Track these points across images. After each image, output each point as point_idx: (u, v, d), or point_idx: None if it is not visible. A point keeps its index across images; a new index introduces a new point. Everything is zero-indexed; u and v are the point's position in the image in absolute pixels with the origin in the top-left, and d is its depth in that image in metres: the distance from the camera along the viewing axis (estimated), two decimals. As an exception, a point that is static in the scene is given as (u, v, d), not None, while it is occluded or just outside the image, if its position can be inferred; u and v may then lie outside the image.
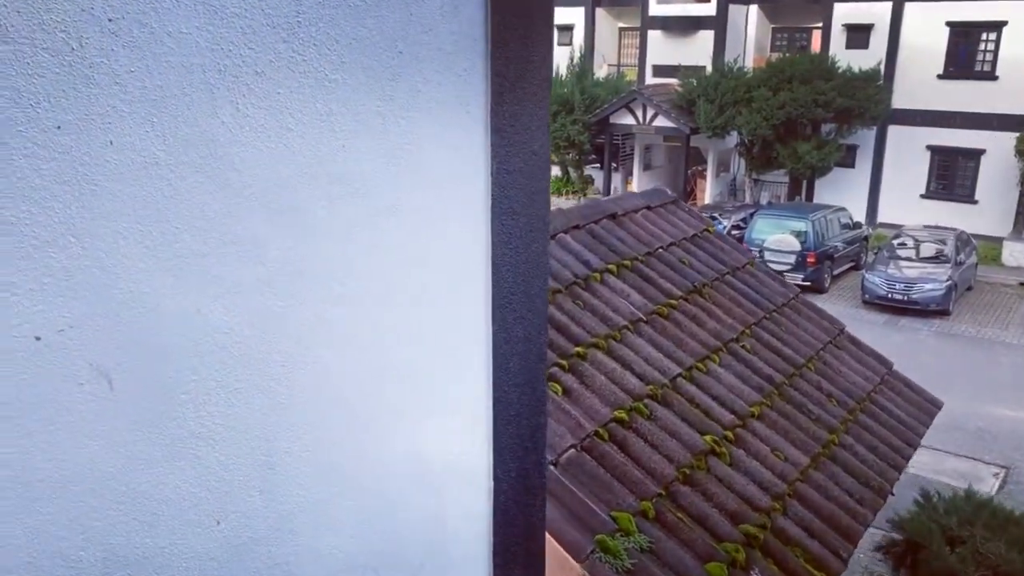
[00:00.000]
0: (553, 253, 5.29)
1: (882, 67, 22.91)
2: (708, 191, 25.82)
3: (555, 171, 26.95)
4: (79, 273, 1.19)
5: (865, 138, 23.54)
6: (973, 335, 16.49)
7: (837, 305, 17.20)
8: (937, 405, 6.72)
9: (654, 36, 27.57)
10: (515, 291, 2.02)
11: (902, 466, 5.63)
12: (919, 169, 23.21)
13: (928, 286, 17.04)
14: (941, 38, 22.41)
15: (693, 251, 6.45)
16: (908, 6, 22.82)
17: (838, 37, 24.02)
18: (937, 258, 17.84)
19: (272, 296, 1.47)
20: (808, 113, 21.78)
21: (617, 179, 27.08)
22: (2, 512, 1.16)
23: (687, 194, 25.28)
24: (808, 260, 18.21)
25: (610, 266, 5.64)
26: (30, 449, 1.17)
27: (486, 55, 1.80)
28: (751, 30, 26.44)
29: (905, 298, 17.11)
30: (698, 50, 26.29)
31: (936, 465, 10.85)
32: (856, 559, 7.20)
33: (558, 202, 24.02)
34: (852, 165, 23.93)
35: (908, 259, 17.98)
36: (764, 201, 24.23)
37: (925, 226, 19.75)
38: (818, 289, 18.20)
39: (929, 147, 22.90)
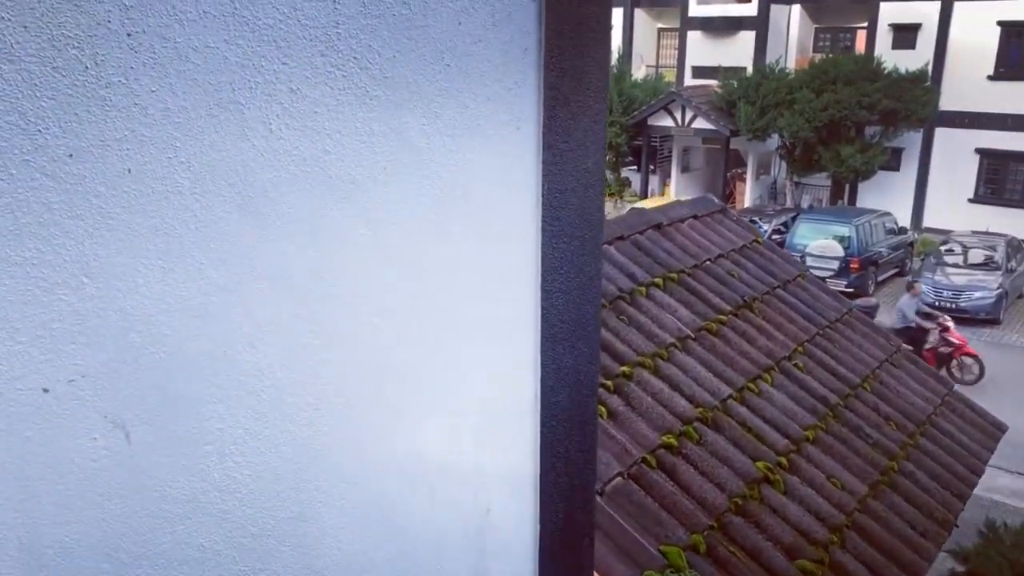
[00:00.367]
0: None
1: (930, 68, 22.35)
2: (748, 194, 25.39)
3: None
4: (93, 317, 1.07)
5: (911, 141, 22.97)
6: (1025, 345, 15.97)
7: (880, 314, 16.73)
8: (1001, 429, 6.35)
9: (694, 37, 27.21)
10: (565, 319, 1.88)
11: (967, 495, 5.30)
12: (967, 173, 22.59)
13: (977, 294, 16.51)
14: (992, 38, 21.80)
15: (742, 263, 6.18)
16: (957, 5, 22.24)
17: (884, 37, 23.50)
18: (987, 265, 17.27)
19: (306, 333, 1.34)
20: (852, 115, 21.28)
21: (655, 182, 26.76)
22: (6, 582, 1.04)
23: (726, 197, 24.87)
24: (852, 266, 17.74)
25: (656, 279, 5.41)
26: (36, 514, 1.06)
27: (539, 67, 1.66)
28: (793, 30, 25.97)
29: (953, 306, 16.57)
30: (738, 51, 25.88)
31: (989, 482, 10.42)
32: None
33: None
34: (897, 168, 23.37)
35: (956, 266, 17.44)
36: (805, 205, 23.74)
37: (974, 232, 19.17)
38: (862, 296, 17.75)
39: (978, 150, 22.28)
